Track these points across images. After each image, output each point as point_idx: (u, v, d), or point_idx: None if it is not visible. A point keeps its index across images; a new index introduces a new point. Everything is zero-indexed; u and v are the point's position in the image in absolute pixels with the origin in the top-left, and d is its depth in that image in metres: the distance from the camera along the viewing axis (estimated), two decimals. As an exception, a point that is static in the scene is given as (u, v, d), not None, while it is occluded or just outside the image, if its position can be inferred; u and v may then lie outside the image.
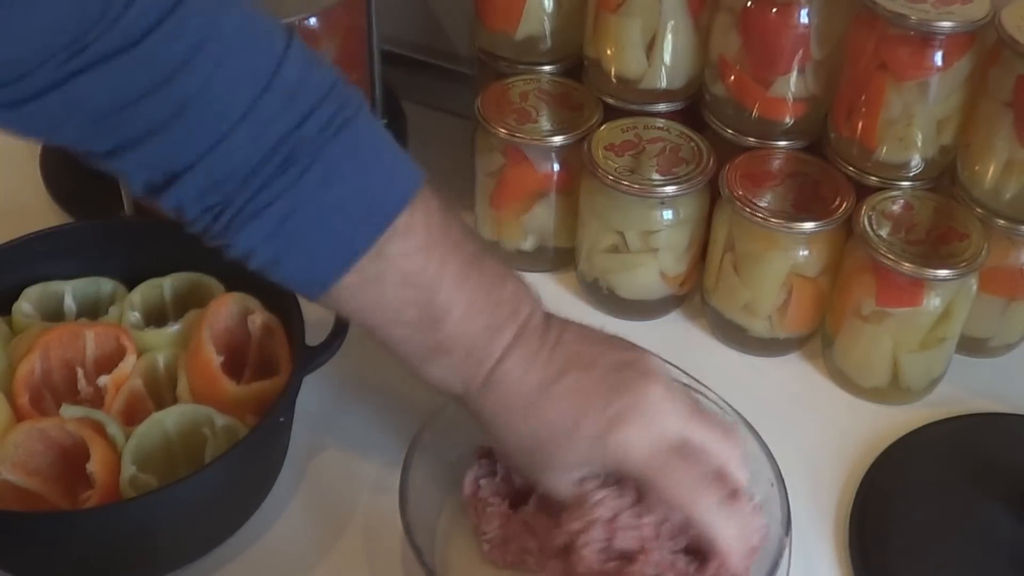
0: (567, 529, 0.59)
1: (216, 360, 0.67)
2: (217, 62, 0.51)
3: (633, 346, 0.61)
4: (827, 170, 0.79)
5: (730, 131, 0.82)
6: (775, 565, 0.60)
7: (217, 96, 0.51)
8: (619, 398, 0.57)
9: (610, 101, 0.84)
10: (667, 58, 0.82)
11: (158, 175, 0.53)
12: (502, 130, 0.81)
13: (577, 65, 0.87)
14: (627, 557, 0.59)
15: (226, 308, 0.71)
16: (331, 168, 0.53)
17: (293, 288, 0.58)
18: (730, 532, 0.58)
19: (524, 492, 0.64)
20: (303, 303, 0.70)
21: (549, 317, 0.61)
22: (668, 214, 0.78)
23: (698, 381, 0.68)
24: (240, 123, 0.51)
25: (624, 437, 0.56)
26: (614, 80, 0.84)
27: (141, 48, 0.49)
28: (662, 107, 0.84)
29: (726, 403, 0.68)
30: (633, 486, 0.59)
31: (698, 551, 0.60)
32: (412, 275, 0.56)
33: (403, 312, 0.56)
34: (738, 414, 0.68)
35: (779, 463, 0.65)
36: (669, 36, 0.81)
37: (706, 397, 0.68)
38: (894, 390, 0.77)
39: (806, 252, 0.76)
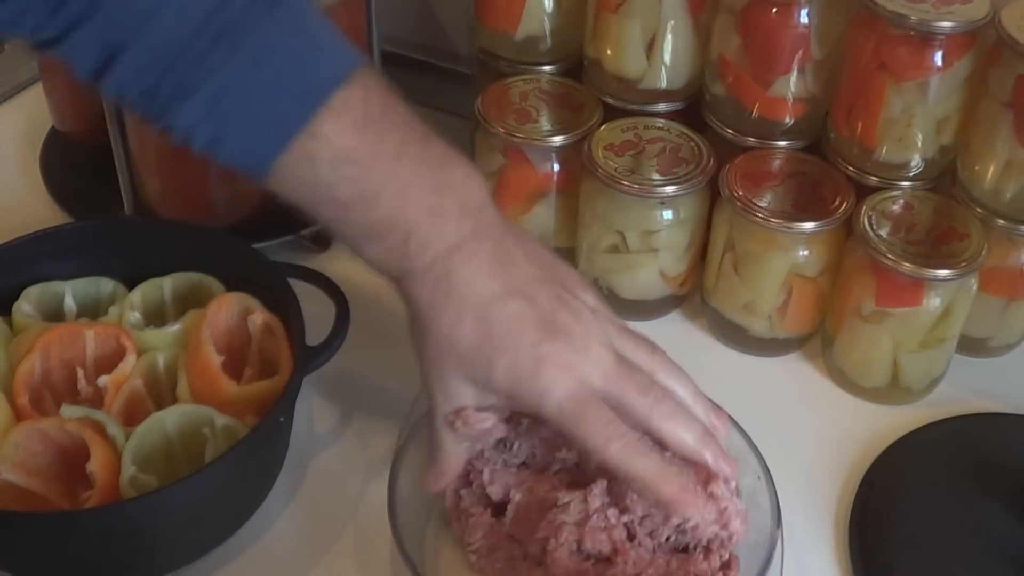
0: (537, 537, 0.60)
1: (216, 360, 0.67)
2: None
3: (574, 279, 0.61)
4: (827, 170, 0.79)
5: (730, 131, 0.81)
6: (768, 558, 0.60)
7: None
8: (550, 340, 0.57)
9: (610, 101, 0.84)
10: (667, 58, 0.82)
11: (100, 56, 0.53)
12: (502, 130, 0.81)
13: (577, 65, 0.87)
14: (604, 558, 0.59)
15: (226, 308, 0.71)
16: (263, 44, 0.53)
17: (239, 170, 0.56)
18: (649, 465, 0.57)
19: (503, 502, 0.64)
20: (303, 303, 0.70)
21: (503, 220, 0.60)
22: (668, 214, 0.78)
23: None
24: None
25: (547, 379, 0.57)
26: (614, 80, 0.84)
27: None
28: (662, 107, 0.84)
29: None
30: (604, 488, 0.60)
31: (683, 548, 0.60)
32: (345, 152, 0.55)
33: (337, 190, 0.55)
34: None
35: (779, 463, 0.64)
36: (669, 36, 0.81)
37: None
38: (894, 390, 0.77)
39: (806, 252, 0.76)
